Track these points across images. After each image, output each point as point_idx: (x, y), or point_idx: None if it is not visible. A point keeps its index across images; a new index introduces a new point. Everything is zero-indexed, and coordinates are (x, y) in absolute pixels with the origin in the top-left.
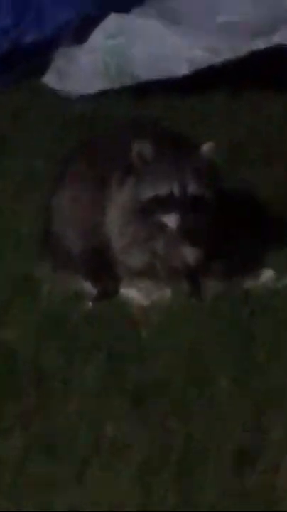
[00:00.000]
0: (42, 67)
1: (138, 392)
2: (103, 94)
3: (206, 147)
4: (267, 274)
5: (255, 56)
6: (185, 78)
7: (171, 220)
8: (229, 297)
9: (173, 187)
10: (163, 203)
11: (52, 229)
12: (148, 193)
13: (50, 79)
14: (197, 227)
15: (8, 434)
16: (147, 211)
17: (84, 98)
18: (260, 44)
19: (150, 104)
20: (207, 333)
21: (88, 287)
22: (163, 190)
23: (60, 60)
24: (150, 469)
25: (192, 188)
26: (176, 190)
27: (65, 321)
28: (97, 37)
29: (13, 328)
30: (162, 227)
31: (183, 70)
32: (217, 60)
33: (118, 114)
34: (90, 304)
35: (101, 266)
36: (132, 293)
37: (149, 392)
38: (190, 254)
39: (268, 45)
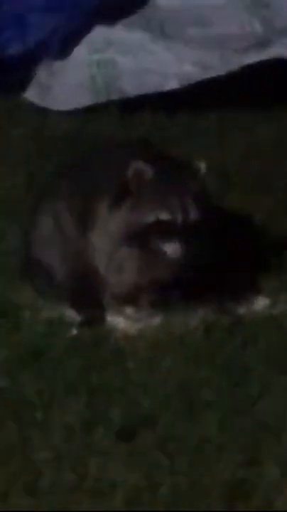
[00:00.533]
0: (24, 82)
1: (124, 427)
2: (88, 110)
3: (202, 167)
4: (261, 302)
5: (248, 71)
6: (174, 94)
7: (173, 249)
8: (221, 325)
9: (176, 212)
10: (165, 229)
11: (33, 253)
12: (148, 216)
13: (32, 94)
14: (197, 254)
15: None
16: (146, 236)
17: (68, 114)
18: (253, 58)
19: (138, 121)
20: (198, 363)
21: (72, 314)
22: (164, 215)
23: (43, 74)
24: (136, 507)
25: (194, 214)
26: (179, 216)
27: (47, 350)
28: (83, 50)
29: None
30: (161, 254)
31: (172, 85)
32: (208, 75)
33: (104, 131)
34: (74, 331)
35: (87, 292)
36: (119, 321)
37: (136, 426)
38: (185, 281)
39: (262, 59)
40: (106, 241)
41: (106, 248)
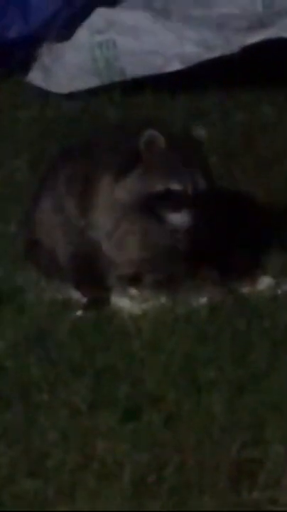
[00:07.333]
0: (27, 64)
1: (129, 407)
2: (91, 92)
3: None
4: (265, 281)
5: (250, 51)
6: (176, 75)
7: (182, 220)
8: (226, 305)
9: (186, 183)
10: (174, 199)
11: (36, 234)
12: (158, 185)
13: (35, 76)
14: (205, 225)
15: None
16: (154, 206)
17: (71, 96)
18: (255, 38)
19: (140, 102)
20: (203, 343)
21: (76, 296)
22: (175, 185)
23: (46, 56)
24: (143, 487)
25: (202, 185)
26: (189, 187)
27: (52, 332)
28: (85, 32)
29: None
30: (168, 225)
31: (174, 66)
32: (210, 55)
33: (107, 113)
34: (79, 313)
35: (90, 273)
36: (123, 302)
37: (141, 406)
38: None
39: (263, 39)
40: (108, 218)
41: (107, 225)
